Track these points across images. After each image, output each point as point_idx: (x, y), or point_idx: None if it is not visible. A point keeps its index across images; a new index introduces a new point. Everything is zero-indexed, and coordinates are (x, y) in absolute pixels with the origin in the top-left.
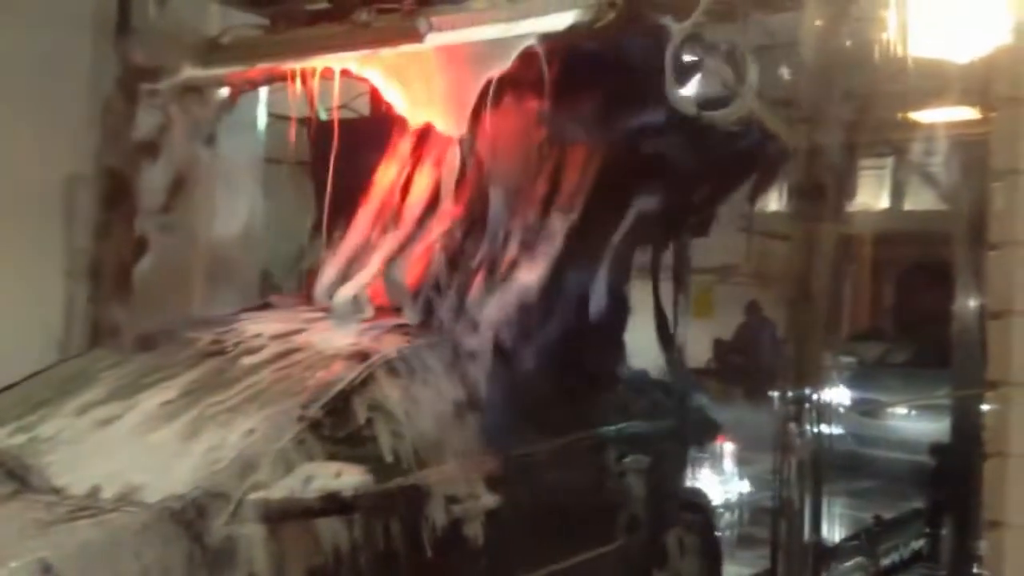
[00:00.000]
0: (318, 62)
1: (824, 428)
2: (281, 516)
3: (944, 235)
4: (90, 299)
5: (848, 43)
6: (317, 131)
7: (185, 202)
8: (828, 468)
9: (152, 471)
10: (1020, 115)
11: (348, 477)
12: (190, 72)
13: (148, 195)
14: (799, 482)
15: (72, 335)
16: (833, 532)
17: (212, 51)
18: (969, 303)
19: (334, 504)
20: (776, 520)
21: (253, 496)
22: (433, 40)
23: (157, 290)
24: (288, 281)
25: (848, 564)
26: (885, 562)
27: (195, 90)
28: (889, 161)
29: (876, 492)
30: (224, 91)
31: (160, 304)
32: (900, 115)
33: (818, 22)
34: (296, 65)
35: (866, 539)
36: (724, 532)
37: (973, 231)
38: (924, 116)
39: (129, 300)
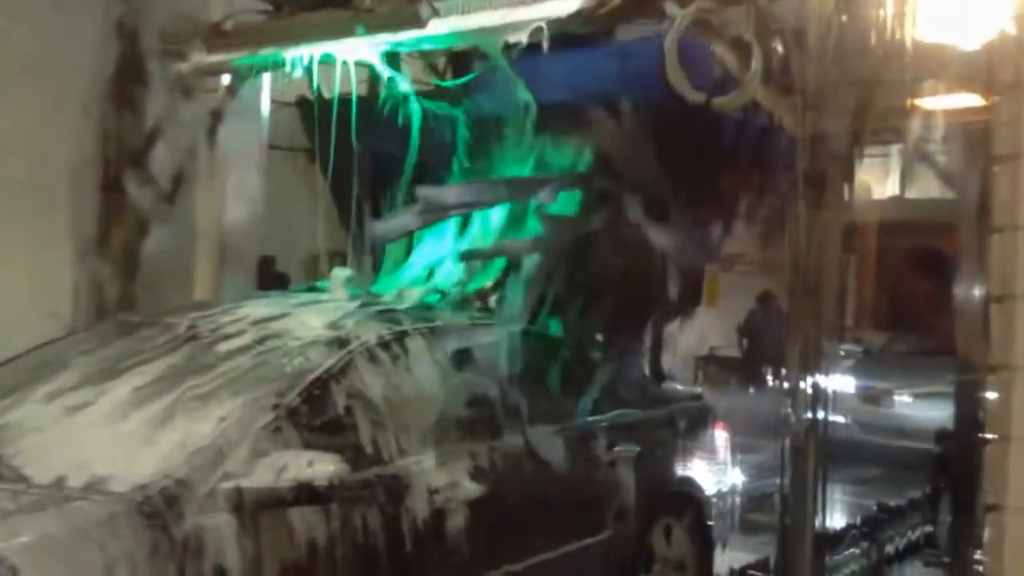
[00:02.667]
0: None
1: (823, 414)
2: (253, 506)
3: (950, 223)
4: (96, 284)
5: (852, 30)
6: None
7: (188, 188)
8: (830, 455)
9: (120, 460)
10: (1022, 101)
11: (321, 466)
12: (194, 58)
13: (152, 181)
14: (797, 467)
15: (80, 320)
16: (838, 519)
17: (215, 37)
18: (975, 289)
19: (307, 494)
20: (776, 506)
21: (224, 486)
22: (436, 26)
23: (162, 274)
24: (291, 267)
25: (852, 551)
26: (889, 549)
27: (199, 76)
28: (894, 149)
29: (881, 480)
30: (227, 77)
31: (165, 288)
32: (905, 102)
33: (822, 8)
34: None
35: (870, 526)
36: (720, 520)
37: (978, 218)
38: (929, 103)
39: (135, 284)
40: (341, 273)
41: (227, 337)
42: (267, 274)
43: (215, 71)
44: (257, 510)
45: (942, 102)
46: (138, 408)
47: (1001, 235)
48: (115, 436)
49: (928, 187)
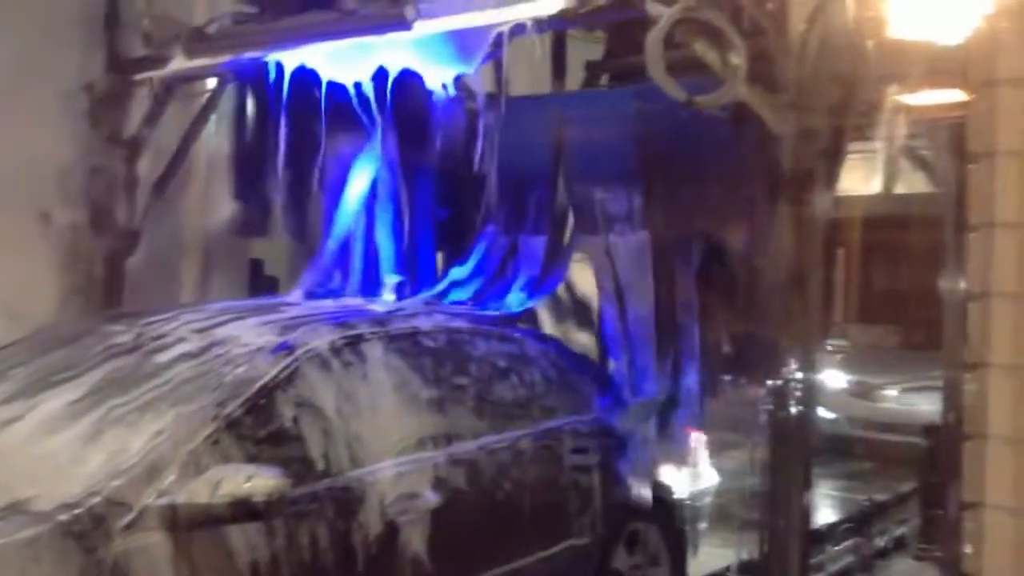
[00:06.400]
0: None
1: (806, 410)
2: (187, 525)
3: (934, 218)
4: (82, 290)
5: (838, 26)
6: None
7: (174, 192)
8: (816, 451)
9: (47, 478)
10: (996, 97)
11: (261, 481)
12: (178, 63)
13: (137, 185)
14: (781, 465)
15: None
16: (827, 515)
17: (198, 41)
18: (959, 285)
19: (245, 511)
20: (760, 505)
21: (156, 503)
22: (421, 27)
23: (149, 279)
24: (279, 270)
25: (841, 546)
26: (879, 543)
27: (184, 81)
28: (878, 145)
29: (870, 474)
30: (213, 80)
31: (151, 292)
32: (887, 99)
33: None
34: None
35: (859, 521)
36: (695, 523)
37: (960, 213)
38: (912, 99)
39: (121, 291)
40: (391, 279)
41: (169, 345)
42: (257, 277)
43: (199, 75)
44: (192, 529)
45: (925, 98)
46: (71, 422)
47: (978, 233)
48: (44, 453)
49: (914, 183)
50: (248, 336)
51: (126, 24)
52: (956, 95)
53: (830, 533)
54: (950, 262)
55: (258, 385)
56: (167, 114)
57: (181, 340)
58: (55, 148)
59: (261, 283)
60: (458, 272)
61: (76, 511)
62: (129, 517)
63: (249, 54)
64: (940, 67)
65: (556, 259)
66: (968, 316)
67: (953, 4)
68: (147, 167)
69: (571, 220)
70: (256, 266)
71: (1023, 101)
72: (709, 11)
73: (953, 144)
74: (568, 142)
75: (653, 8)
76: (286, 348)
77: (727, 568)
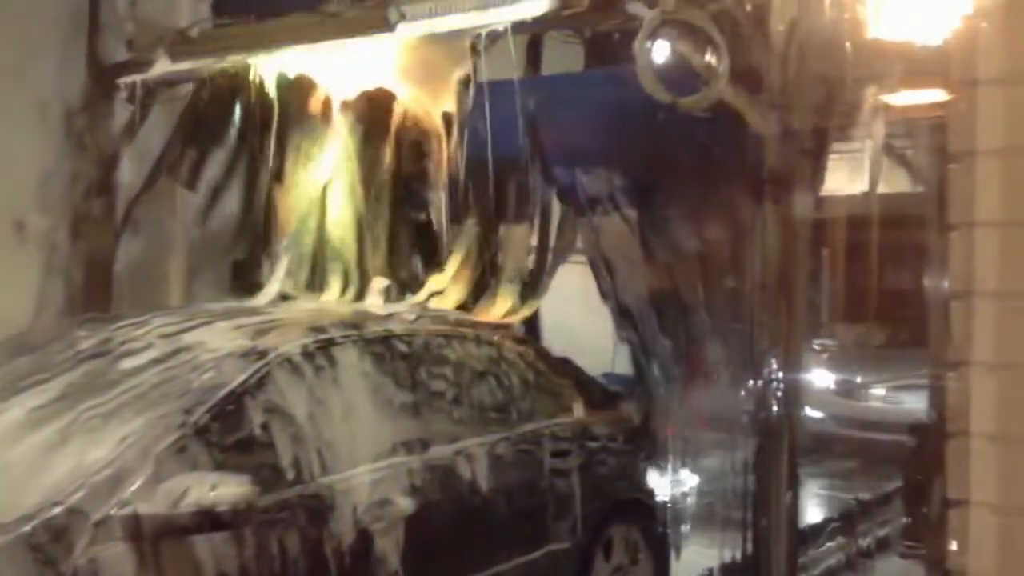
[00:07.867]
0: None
1: (791, 409)
2: (152, 535)
3: (918, 217)
4: (66, 294)
5: (819, 27)
6: None
7: (158, 194)
8: (801, 449)
9: (8, 489)
10: (976, 97)
11: (226, 489)
12: (160, 66)
13: (121, 188)
14: (767, 464)
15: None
16: (813, 514)
17: (181, 44)
18: (942, 284)
19: (211, 520)
20: (746, 504)
21: (119, 513)
22: (404, 30)
23: (133, 282)
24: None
25: (828, 546)
26: (865, 542)
27: (167, 83)
28: (863, 145)
29: (856, 473)
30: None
31: (136, 296)
32: (870, 98)
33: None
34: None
35: (845, 520)
36: (678, 524)
37: (942, 212)
38: (893, 99)
39: (106, 294)
40: (379, 283)
41: (138, 351)
42: (239, 279)
43: (183, 79)
44: (156, 540)
45: (906, 98)
46: (34, 429)
47: (958, 232)
48: (6, 461)
49: (899, 182)
50: (218, 341)
51: (108, 29)
52: (937, 95)
53: (816, 532)
54: (933, 261)
55: (226, 391)
56: (151, 117)
57: (150, 345)
58: (38, 153)
59: (243, 285)
60: (440, 271)
61: (36, 522)
62: (91, 528)
63: (233, 57)
64: (921, 67)
65: (546, 254)
66: (951, 314)
67: (933, 4)
68: (130, 171)
69: (558, 212)
70: (238, 268)
71: (1004, 100)
72: (691, 12)
73: (934, 143)
74: (545, 125)
75: (634, 8)
76: (256, 353)
77: (710, 571)
